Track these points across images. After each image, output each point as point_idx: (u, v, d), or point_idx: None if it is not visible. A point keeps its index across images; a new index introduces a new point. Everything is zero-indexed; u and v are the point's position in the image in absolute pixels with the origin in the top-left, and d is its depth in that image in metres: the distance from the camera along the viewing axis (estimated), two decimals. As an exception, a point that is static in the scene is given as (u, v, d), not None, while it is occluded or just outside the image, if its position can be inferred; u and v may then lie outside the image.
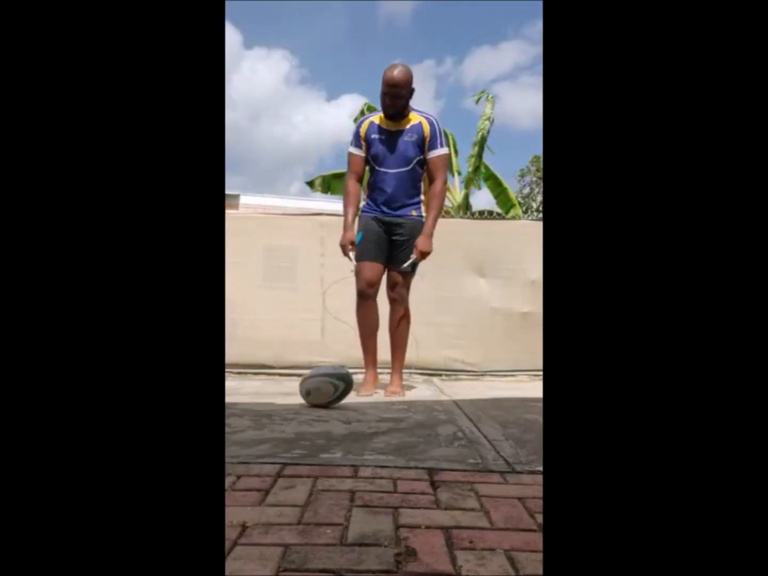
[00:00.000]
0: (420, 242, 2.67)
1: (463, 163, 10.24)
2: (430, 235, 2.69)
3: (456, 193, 10.35)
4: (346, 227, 2.75)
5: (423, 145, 2.70)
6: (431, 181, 2.74)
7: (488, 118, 9.60)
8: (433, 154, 2.70)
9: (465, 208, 9.84)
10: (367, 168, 2.83)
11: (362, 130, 2.75)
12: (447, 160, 2.81)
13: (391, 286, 2.77)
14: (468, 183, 9.91)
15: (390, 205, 2.74)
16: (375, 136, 2.74)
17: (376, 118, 2.77)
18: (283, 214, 2.79)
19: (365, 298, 2.73)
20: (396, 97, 2.62)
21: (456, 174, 10.33)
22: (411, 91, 2.66)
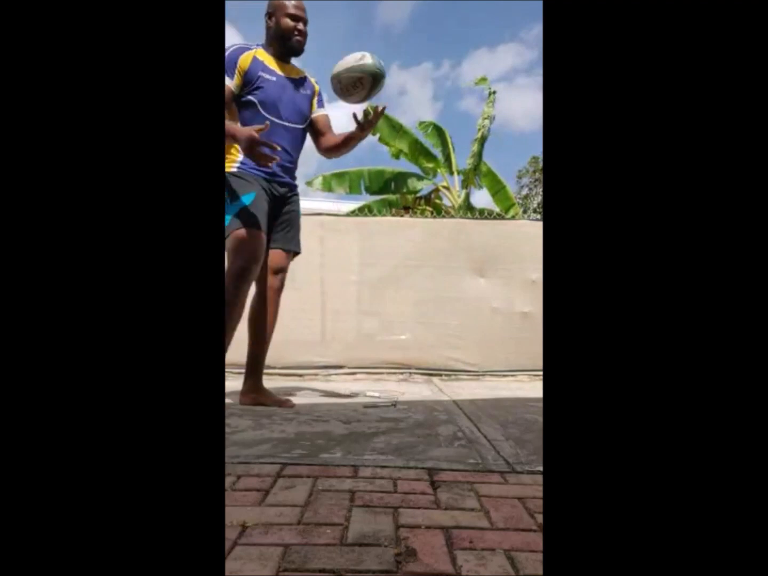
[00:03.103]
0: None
1: (462, 164, 10.23)
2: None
3: (455, 193, 10.35)
4: (239, 129, 1.97)
5: (312, 103, 2.31)
6: (325, 134, 2.31)
7: (488, 117, 9.57)
8: (321, 111, 2.33)
9: (466, 208, 9.81)
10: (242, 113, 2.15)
11: (243, 62, 2.10)
12: None
13: (277, 271, 2.26)
14: (467, 181, 9.87)
15: (285, 167, 2.22)
16: (267, 76, 2.13)
17: (259, 53, 2.16)
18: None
19: (250, 280, 2.12)
20: (305, 33, 2.16)
21: (456, 173, 10.32)
22: None
